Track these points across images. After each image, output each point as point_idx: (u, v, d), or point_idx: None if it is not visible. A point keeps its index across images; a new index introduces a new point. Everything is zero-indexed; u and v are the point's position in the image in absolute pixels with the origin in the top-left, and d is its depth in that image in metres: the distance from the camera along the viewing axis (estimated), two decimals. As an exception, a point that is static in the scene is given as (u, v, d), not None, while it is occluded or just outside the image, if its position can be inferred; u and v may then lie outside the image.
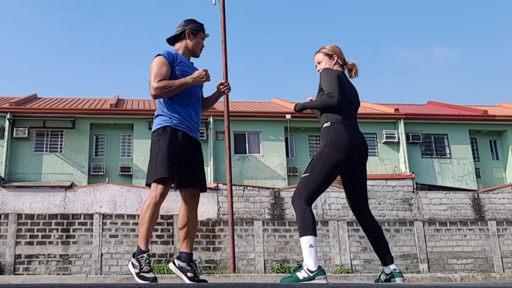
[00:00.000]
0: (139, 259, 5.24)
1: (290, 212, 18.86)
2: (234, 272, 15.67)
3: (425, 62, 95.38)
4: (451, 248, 19.60)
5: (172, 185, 5.47)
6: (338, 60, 5.72)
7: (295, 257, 18.45)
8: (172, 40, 5.80)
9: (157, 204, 5.28)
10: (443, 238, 19.65)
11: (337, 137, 5.25)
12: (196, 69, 5.68)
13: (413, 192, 20.14)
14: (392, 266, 5.33)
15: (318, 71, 5.77)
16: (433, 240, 19.57)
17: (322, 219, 19.11)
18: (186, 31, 5.68)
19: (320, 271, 4.90)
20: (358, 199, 5.50)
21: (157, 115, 5.54)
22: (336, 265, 18.66)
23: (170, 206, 17.85)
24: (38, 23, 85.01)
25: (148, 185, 5.37)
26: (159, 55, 5.52)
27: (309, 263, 4.92)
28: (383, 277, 5.37)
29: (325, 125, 5.41)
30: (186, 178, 5.53)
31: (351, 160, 5.29)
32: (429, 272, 18.76)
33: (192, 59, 5.82)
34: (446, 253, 19.51)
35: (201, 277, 5.74)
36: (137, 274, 5.19)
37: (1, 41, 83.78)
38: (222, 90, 5.79)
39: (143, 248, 5.28)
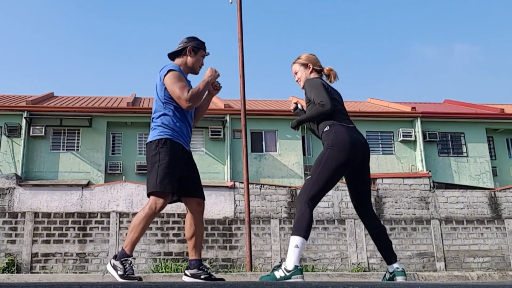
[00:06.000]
0: (123, 262, 5.34)
1: (307, 211, 18.83)
2: (251, 270, 15.65)
3: (446, 60, 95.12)
4: (468, 247, 19.53)
5: (175, 198, 5.62)
6: (314, 68, 5.79)
7: (311, 255, 18.44)
8: (173, 56, 5.82)
9: (153, 216, 5.42)
10: (460, 237, 19.58)
11: (338, 139, 5.30)
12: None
13: (430, 190, 20.08)
14: (395, 265, 5.40)
15: (297, 81, 5.89)
16: (450, 238, 19.50)
17: (339, 217, 19.09)
18: (188, 48, 5.70)
19: (297, 270, 4.95)
20: (362, 199, 5.58)
21: (157, 126, 5.55)
22: (353, 263, 18.64)
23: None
24: (55, 21, 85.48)
25: (149, 194, 5.45)
26: (173, 70, 5.53)
27: (289, 262, 4.98)
28: (387, 275, 5.44)
29: (325, 129, 5.46)
30: (189, 189, 5.63)
31: (354, 161, 5.34)
32: (446, 270, 18.69)
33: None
34: (463, 251, 19.45)
35: (217, 276, 5.82)
36: (121, 276, 5.26)
37: (18, 40, 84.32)
38: (213, 89, 5.80)
39: (128, 252, 5.39)
